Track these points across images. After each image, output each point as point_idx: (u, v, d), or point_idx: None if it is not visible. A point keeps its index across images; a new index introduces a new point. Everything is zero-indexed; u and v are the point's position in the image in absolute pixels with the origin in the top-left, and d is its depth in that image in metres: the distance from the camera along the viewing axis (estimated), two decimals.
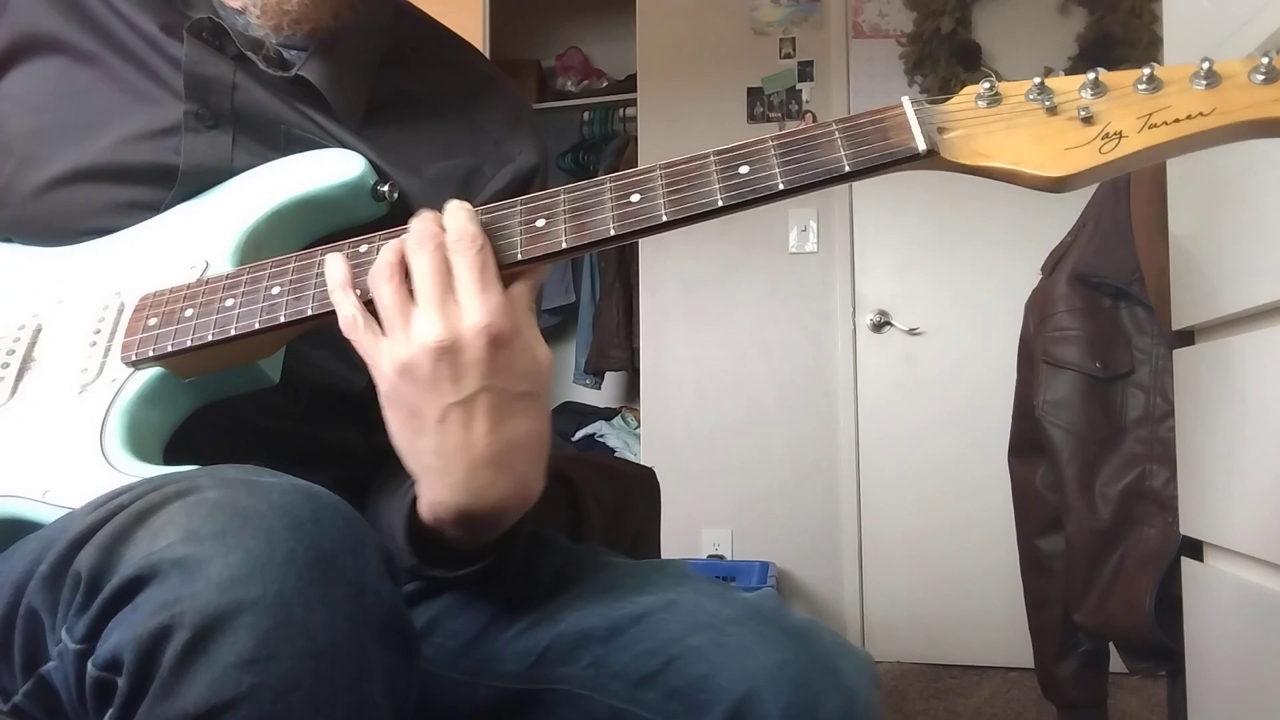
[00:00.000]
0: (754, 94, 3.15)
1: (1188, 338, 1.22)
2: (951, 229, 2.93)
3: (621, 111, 3.69)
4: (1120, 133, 0.57)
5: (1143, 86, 0.58)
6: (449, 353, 0.57)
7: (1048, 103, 0.58)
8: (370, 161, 0.75)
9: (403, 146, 0.80)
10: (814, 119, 3.10)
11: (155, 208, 0.76)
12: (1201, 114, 0.56)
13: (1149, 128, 0.56)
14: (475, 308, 0.57)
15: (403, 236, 0.61)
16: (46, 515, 0.62)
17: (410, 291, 0.59)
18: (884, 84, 3.04)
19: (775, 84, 3.15)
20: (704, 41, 3.20)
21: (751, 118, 3.15)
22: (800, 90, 3.12)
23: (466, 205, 0.62)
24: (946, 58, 2.95)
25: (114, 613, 0.46)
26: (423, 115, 0.84)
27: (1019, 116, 0.59)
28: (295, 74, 0.77)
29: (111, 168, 0.76)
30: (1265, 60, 0.56)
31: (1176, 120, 0.56)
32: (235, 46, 0.77)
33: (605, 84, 3.90)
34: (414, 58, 0.87)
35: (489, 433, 0.58)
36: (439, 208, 0.77)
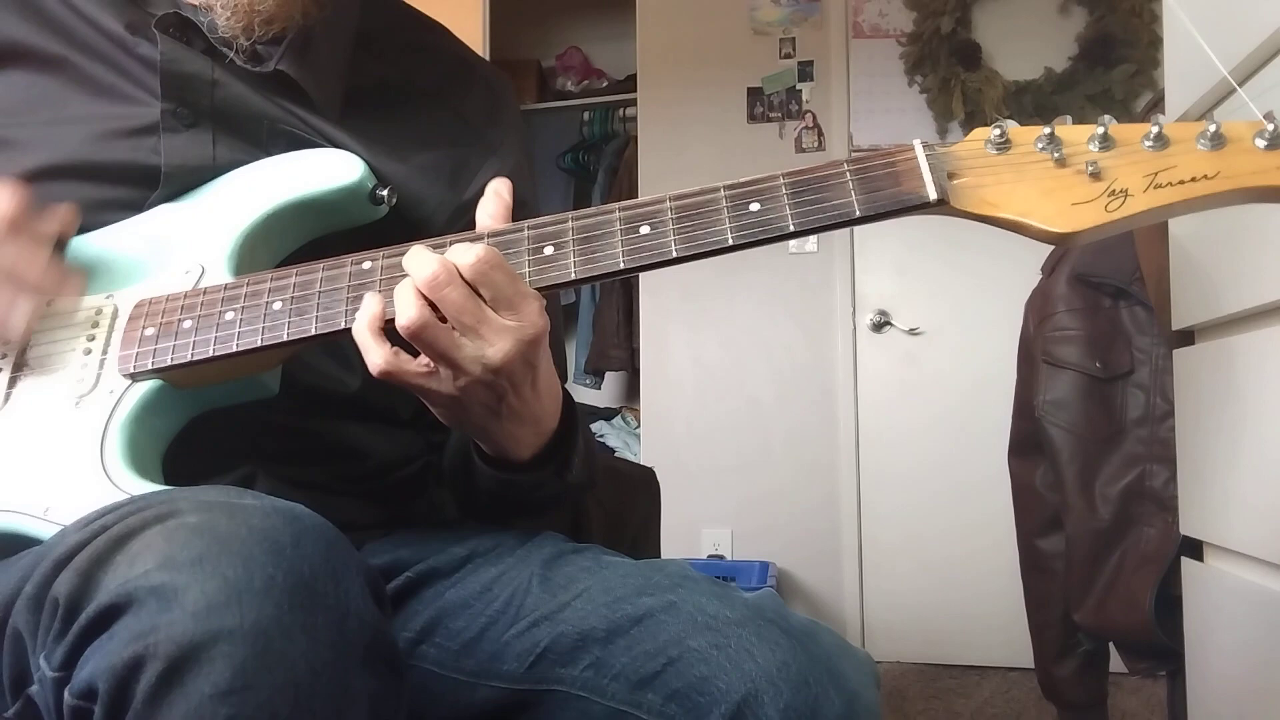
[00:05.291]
0: (754, 94, 3.15)
1: (1188, 338, 1.21)
2: (951, 229, 2.89)
3: (621, 111, 3.69)
4: (1126, 191, 0.57)
5: (1149, 144, 0.58)
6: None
7: (1056, 154, 0.59)
8: (366, 163, 0.74)
9: (386, 136, 0.79)
10: (814, 119, 3.10)
11: (135, 207, 0.75)
12: (1206, 177, 0.56)
13: (1154, 187, 0.57)
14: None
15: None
16: (47, 532, 0.61)
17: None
18: (884, 84, 3.04)
19: (775, 84, 3.14)
20: (704, 41, 3.20)
21: (751, 118, 3.15)
22: (800, 90, 3.12)
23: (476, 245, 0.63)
24: (946, 58, 2.94)
25: (90, 640, 0.46)
26: (402, 104, 0.84)
27: (1028, 166, 0.60)
28: (275, 69, 0.76)
29: (86, 165, 0.74)
30: (1270, 127, 0.56)
31: (1181, 182, 0.57)
32: (205, 41, 0.76)
33: (605, 84, 3.90)
34: (387, 44, 0.86)
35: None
36: (429, 197, 0.77)
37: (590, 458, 0.77)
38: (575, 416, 0.73)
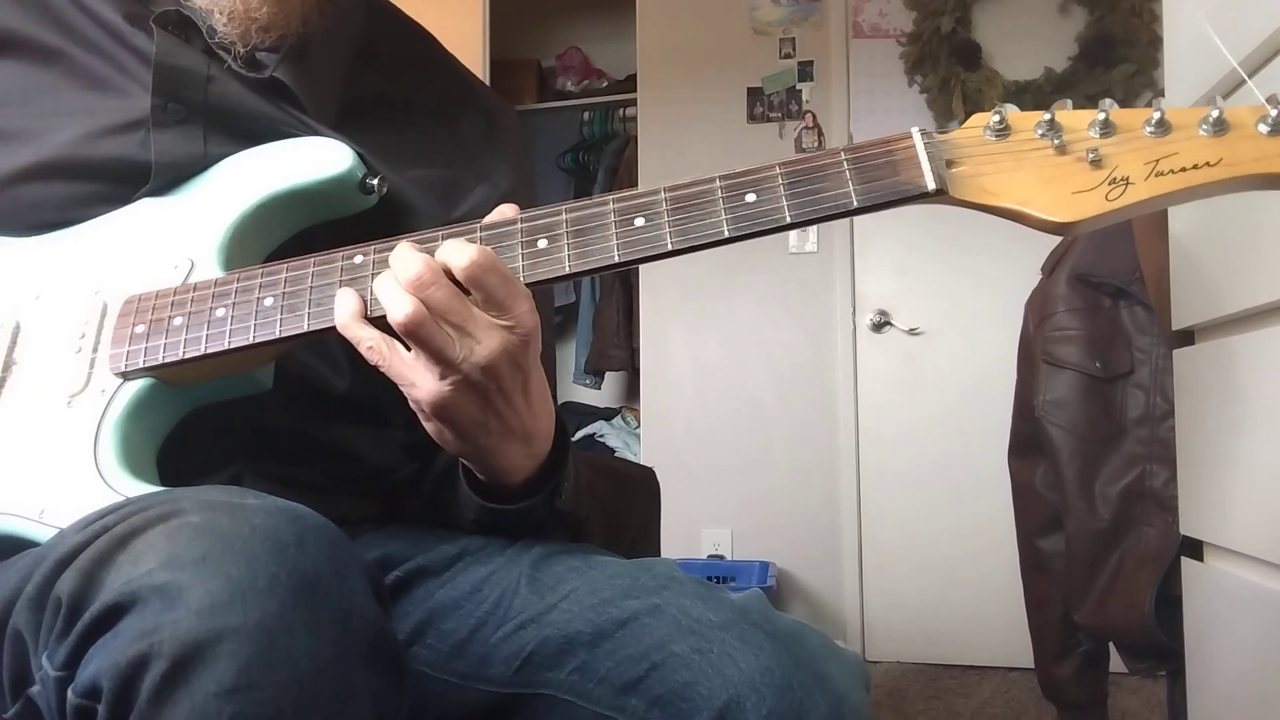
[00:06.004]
0: (754, 94, 3.15)
1: (1188, 338, 1.21)
2: (951, 229, 2.92)
3: (621, 111, 3.69)
4: (1127, 179, 0.56)
5: (1150, 130, 0.57)
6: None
7: (1056, 140, 0.58)
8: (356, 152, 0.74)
9: (381, 147, 0.79)
10: (814, 119, 3.10)
11: (123, 203, 0.74)
12: (1208, 164, 0.56)
13: (1156, 175, 0.56)
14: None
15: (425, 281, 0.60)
16: (43, 535, 0.61)
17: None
18: (884, 84, 3.04)
19: (775, 84, 3.14)
20: (704, 41, 3.20)
21: (751, 118, 3.15)
22: (800, 90, 3.12)
23: (460, 242, 0.62)
24: (946, 57, 2.94)
25: (94, 640, 0.46)
26: (400, 119, 0.83)
27: (1027, 153, 0.58)
28: (270, 76, 0.76)
29: (73, 163, 0.74)
30: (1274, 112, 0.55)
31: (1183, 169, 0.56)
32: (203, 40, 0.76)
33: (605, 84, 3.90)
34: (390, 57, 0.86)
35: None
36: (419, 209, 0.77)
37: (582, 493, 0.75)
38: (568, 442, 0.72)
